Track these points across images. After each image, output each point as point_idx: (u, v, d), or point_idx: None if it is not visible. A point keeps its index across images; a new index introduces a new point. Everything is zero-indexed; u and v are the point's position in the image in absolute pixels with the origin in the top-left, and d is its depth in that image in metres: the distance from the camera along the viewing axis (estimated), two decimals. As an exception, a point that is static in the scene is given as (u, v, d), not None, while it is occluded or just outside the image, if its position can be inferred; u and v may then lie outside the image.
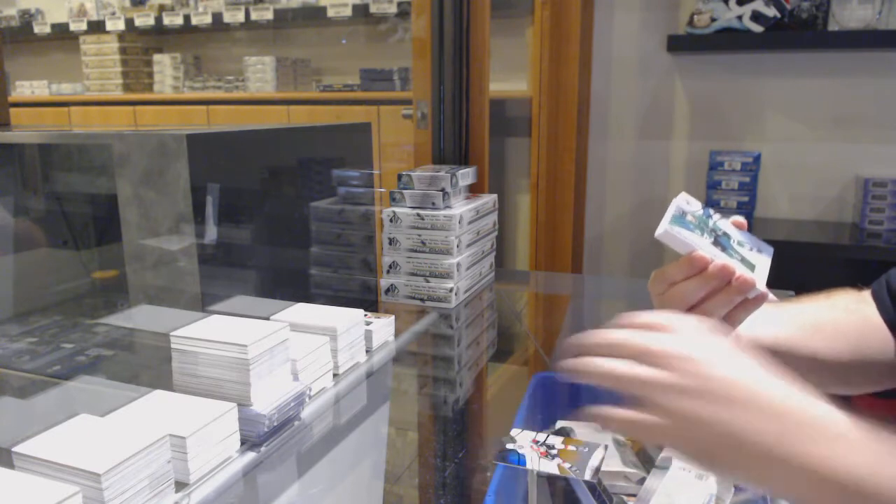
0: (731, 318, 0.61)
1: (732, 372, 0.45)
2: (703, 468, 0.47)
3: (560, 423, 0.84)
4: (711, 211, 0.66)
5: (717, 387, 0.44)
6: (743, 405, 0.43)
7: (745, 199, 2.09)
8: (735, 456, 0.43)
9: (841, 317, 0.74)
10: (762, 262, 0.63)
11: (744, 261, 0.61)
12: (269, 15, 3.17)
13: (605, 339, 0.50)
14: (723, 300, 0.59)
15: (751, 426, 0.43)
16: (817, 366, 0.70)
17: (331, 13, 3.06)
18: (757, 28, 1.97)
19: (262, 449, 0.73)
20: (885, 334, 0.72)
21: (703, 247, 0.59)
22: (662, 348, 0.47)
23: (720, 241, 0.62)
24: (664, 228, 0.60)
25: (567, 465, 0.71)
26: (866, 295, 0.76)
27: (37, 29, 3.74)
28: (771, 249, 0.65)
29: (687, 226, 0.60)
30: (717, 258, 0.58)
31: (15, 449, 0.58)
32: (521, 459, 0.72)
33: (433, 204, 1.28)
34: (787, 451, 0.42)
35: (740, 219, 0.65)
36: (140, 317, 0.96)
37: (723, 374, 0.45)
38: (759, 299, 0.60)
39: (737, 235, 0.65)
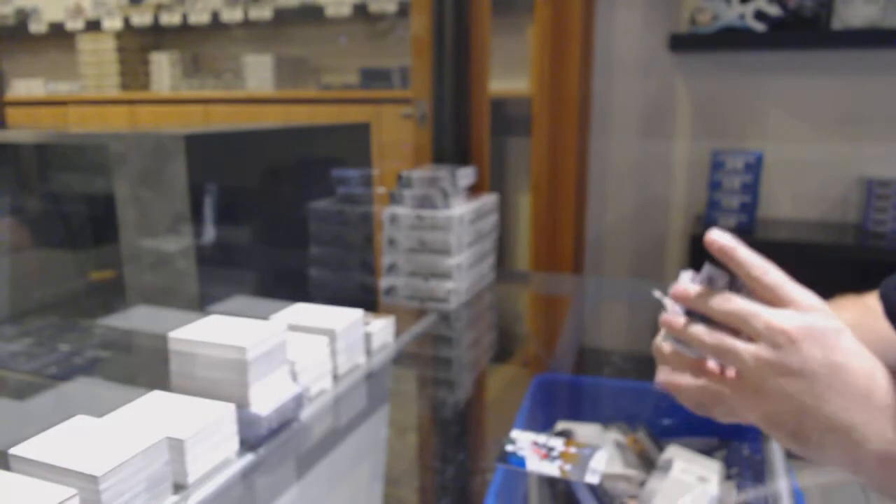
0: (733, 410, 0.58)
1: (847, 362, 0.45)
2: (792, 447, 0.46)
3: (561, 425, 0.83)
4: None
5: (826, 373, 0.44)
6: (853, 396, 0.44)
7: (748, 199, 2.08)
8: (834, 444, 0.43)
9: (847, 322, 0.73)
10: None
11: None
12: (268, 13, 3.17)
13: (722, 303, 0.48)
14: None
15: (857, 418, 0.43)
16: None
17: (330, 12, 3.05)
18: (760, 27, 1.97)
19: (261, 451, 0.73)
20: (890, 336, 0.71)
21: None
22: (779, 325, 0.45)
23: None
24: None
25: (568, 467, 0.70)
26: (869, 301, 0.75)
27: (33, 27, 3.73)
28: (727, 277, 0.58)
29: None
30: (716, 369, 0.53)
31: (12, 451, 0.57)
32: (521, 461, 0.72)
33: (433, 204, 1.27)
34: (890, 447, 0.42)
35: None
36: (138, 318, 0.96)
37: (837, 361, 0.44)
38: None
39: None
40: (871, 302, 0.74)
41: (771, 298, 0.48)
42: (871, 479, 0.44)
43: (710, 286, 0.50)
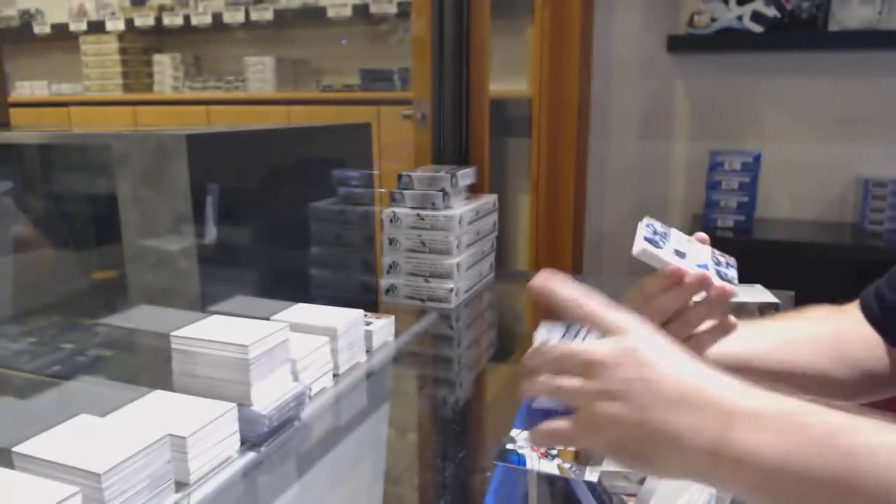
0: (701, 345, 0.62)
1: (658, 373, 0.46)
2: (641, 470, 0.48)
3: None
4: (677, 231, 0.69)
5: (641, 389, 0.45)
6: (668, 404, 0.44)
7: (746, 199, 2.09)
8: (668, 454, 0.44)
9: (815, 328, 0.74)
10: (733, 277, 0.64)
11: (718, 275, 0.63)
12: (269, 15, 3.18)
13: (546, 353, 0.51)
14: (704, 311, 0.61)
15: (677, 423, 0.43)
16: (798, 379, 0.70)
17: (331, 13, 3.06)
18: (757, 28, 1.97)
19: (262, 449, 0.73)
20: (867, 341, 0.72)
21: (678, 261, 0.61)
22: (591, 357, 0.47)
23: (692, 260, 0.64)
24: (641, 247, 0.61)
25: (567, 466, 0.71)
26: (847, 307, 0.76)
27: (36, 29, 3.74)
28: (735, 262, 0.67)
29: (658, 243, 0.63)
30: (694, 272, 0.60)
31: (15, 449, 0.58)
32: (521, 459, 0.72)
33: (433, 204, 1.28)
34: (717, 443, 0.42)
35: (703, 235, 0.68)
36: (140, 317, 0.96)
37: (647, 375, 0.45)
38: (730, 326, 0.62)
39: (704, 253, 0.67)
40: (845, 307, 0.75)
41: (596, 328, 0.50)
42: (718, 481, 0.44)
43: (545, 343, 0.53)
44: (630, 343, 0.47)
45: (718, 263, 0.66)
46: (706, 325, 0.63)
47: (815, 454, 0.40)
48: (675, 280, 0.59)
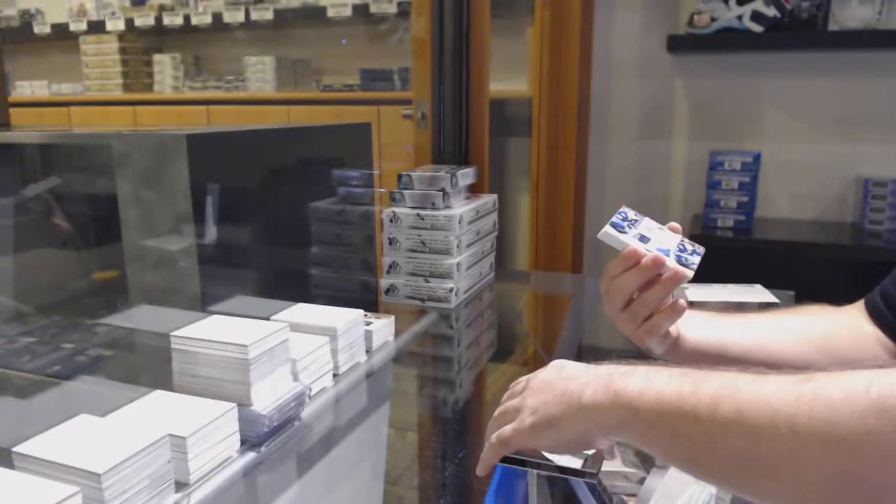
0: (657, 325, 0.69)
1: (547, 375, 0.60)
2: (559, 441, 0.57)
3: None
4: (650, 220, 0.75)
5: (548, 383, 0.59)
6: (566, 381, 0.57)
7: (745, 198, 2.09)
8: (573, 413, 0.55)
9: (806, 322, 0.76)
10: (693, 263, 0.70)
11: (679, 259, 0.69)
12: (269, 15, 3.17)
13: (492, 422, 0.63)
14: (658, 292, 0.68)
15: (574, 388, 0.55)
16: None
17: (331, 13, 3.06)
18: (757, 28, 1.97)
19: (262, 449, 0.73)
20: (860, 342, 0.73)
21: (638, 244, 0.68)
22: (512, 402, 0.61)
23: (655, 245, 0.70)
24: (604, 230, 0.69)
25: (566, 465, 0.71)
26: (846, 308, 0.77)
27: (37, 29, 3.74)
28: (702, 250, 0.73)
29: (624, 228, 0.70)
30: (651, 253, 0.67)
31: (15, 449, 0.58)
32: (521, 459, 0.72)
33: (433, 204, 1.28)
34: (605, 393, 0.53)
35: (675, 224, 0.74)
36: (140, 317, 0.96)
37: (540, 378, 0.60)
38: (679, 308, 0.69)
39: (672, 239, 0.72)
40: (843, 307, 0.76)
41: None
42: (616, 426, 0.53)
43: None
44: (539, 370, 0.62)
45: (683, 250, 0.71)
46: (663, 306, 0.70)
47: (682, 379, 0.49)
48: (633, 261, 0.67)
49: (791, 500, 0.43)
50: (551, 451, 0.60)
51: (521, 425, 0.59)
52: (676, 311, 0.69)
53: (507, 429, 0.60)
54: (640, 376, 0.52)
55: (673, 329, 0.72)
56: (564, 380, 0.58)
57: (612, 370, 0.55)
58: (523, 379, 0.63)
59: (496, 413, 0.63)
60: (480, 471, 0.62)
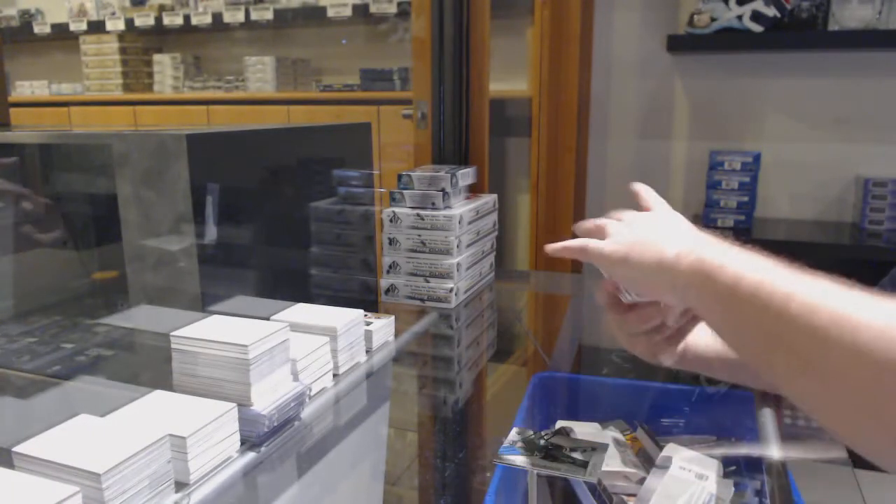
0: (650, 353, 0.70)
1: (663, 220, 0.66)
2: (630, 275, 0.62)
3: (560, 423, 0.84)
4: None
5: (648, 223, 0.65)
6: (663, 232, 0.62)
7: (745, 198, 2.09)
8: (651, 257, 0.59)
9: None
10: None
11: None
12: (269, 15, 3.18)
13: (585, 224, 0.71)
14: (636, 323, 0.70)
15: (666, 241, 0.60)
16: None
17: (331, 13, 3.06)
18: (757, 28, 1.97)
19: (262, 449, 0.73)
20: None
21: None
22: (612, 223, 0.68)
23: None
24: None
25: (567, 465, 0.71)
26: None
27: (37, 29, 3.74)
28: None
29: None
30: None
31: (15, 449, 0.58)
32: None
33: (433, 204, 1.28)
34: (689, 253, 0.56)
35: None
36: (140, 317, 0.96)
37: (646, 217, 0.67)
38: (673, 341, 0.70)
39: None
40: None
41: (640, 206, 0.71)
42: (684, 286, 0.56)
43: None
44: (655, 212, 0.69)
45: None
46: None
47: (767, 268, 0.51)
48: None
49: (830, 405, 0.45)
50: (616, 280, 0.66)
51: (602, 247, 0.64)
52: (671, 345, 0.69)
53: (592, 242, 0.65)
54: (727, 253, 0.54)
55: (680, 345, 0.72)
56: (660, 233, 0.62)
57: (706, 240, 0.58)
58: (630, 213, 0.68)
59: (594, 221, 0.69)
60: (550, 251, 0.70)
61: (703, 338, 0.74)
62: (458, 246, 1.28)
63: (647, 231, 0.63)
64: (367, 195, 1.29)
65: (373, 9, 2.99)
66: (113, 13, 3.59)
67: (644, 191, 0.73)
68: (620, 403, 0.87)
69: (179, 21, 3.38)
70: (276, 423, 0.75)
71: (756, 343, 0.50)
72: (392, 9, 2.97)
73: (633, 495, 0.67)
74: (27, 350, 1.02)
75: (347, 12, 3.03)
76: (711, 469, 0.70)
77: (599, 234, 0.67)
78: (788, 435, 0.81)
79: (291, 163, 1.13)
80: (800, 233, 2.05)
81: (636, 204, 0.72)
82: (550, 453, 0.69)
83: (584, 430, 0.80)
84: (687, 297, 0.57)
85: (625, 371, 1.10)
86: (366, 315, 1.01)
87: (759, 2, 1.96)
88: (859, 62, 2.05)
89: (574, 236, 0.70)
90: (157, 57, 3.54)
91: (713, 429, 0.83)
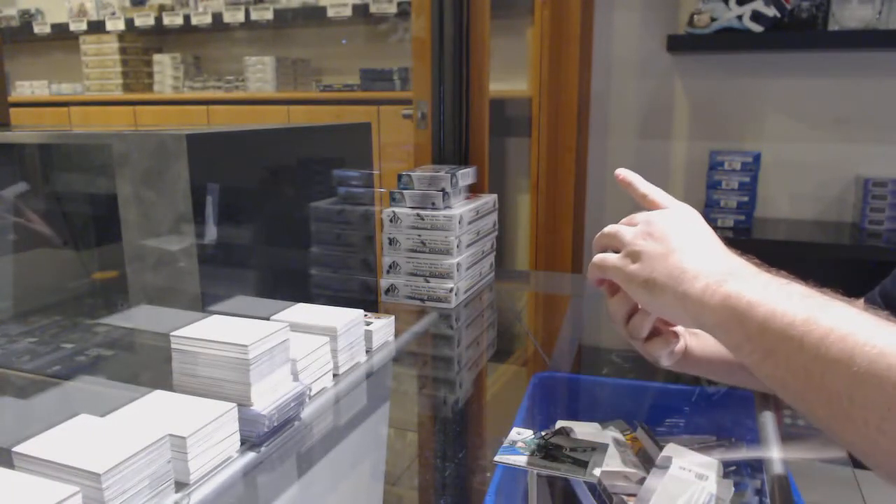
0: (651, 350, 0.68)
1: (688, 227, 0.61)
2: (649, 298, 0.59)
3: (560, 423, 0.84)
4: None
5: (672, 233, 0.60)
6: (689, 249, 0.58)
7: (745, 198, 2.09)
8: (675, 283, 0.56)
9: None
10: None
11: None
12: (269, 15, 3.18)
13: (600, 237, 0.67)
14: (641, 318, 0.67)
15: (689, 263, 0.56)
16: None
17: (331, 13, 3.06)
18: (757, 28, 1.97)
19: (262, 449, 0.73)
20: None
21: None
22: (641, 215, 0.64)
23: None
24: None
25: (566, 465, 0.71)
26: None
27: (37, 29, 3.74)
28: None
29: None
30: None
31: (15, 449, 0.58)
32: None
33: (433, 204, 1.28)
34: (713, 285, 0.53)
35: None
36: (140, 317, 0.96)
37: (679, 229, 0.60)
38: (672, 338, 0.68)
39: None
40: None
41: (650, 207, 0.66)
42: (704, 314, 0.54)
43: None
44: (669, 211, 0.64)
45: None
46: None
47: (797, 303, 0.48)
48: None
49: (866, 446, 0.43)
50: (636, 301, 0.63)
51: (622, 266, 0.61)
52: (669, 343, 0.68)
53: (611, 259, 0.62)
54: (756, 287, 0.51)
55: (680, 345, 0.71)
56: (683, 249, 0.58)
57: (732, 269, 0.55)
58: (643, 215, 0.64)
59: (608, 229, 0.66)
60: (590, 277, 0.66)
61: (703, 339, 0.74)
62: (458, 246, 1.28)
63: (666, 243, 0.59)
64: (367, 195, 1.29)
65: (373, 9, 2.99)
66: (113, 13, 3.59)
67: (638, 181, 0.70)
68: (620, 403, 0.87)
69: (179, 21, 3.38)
70: (276, 423, 0.75)
71: (796, 383, 0.47)
72: (392, 9, 2.97)
73: (633, 495, 0.67)
74: (27, 350, 1.02)
75: (347, 12, 3.03)
76: (711, 469, 0.70)
77: (614, 244, 0.63)
78: (788, 435, 0.81)
79: (291, 163, 1.13)
80: (800, 233, 2.05)
81: (634, 201, 0.70)
82: (550, 453, 0.69)
83: (584, 430, 0.80)
84: (715, 334, 0.54)
85: (625, 371, 1.10)
86: (366, 315, 1.01)
87: (759, 2, 1.96)
88: (859, 62, 2.05)
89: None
90: (157, 57, 3.54)
91: (713, 429, 0.83)
